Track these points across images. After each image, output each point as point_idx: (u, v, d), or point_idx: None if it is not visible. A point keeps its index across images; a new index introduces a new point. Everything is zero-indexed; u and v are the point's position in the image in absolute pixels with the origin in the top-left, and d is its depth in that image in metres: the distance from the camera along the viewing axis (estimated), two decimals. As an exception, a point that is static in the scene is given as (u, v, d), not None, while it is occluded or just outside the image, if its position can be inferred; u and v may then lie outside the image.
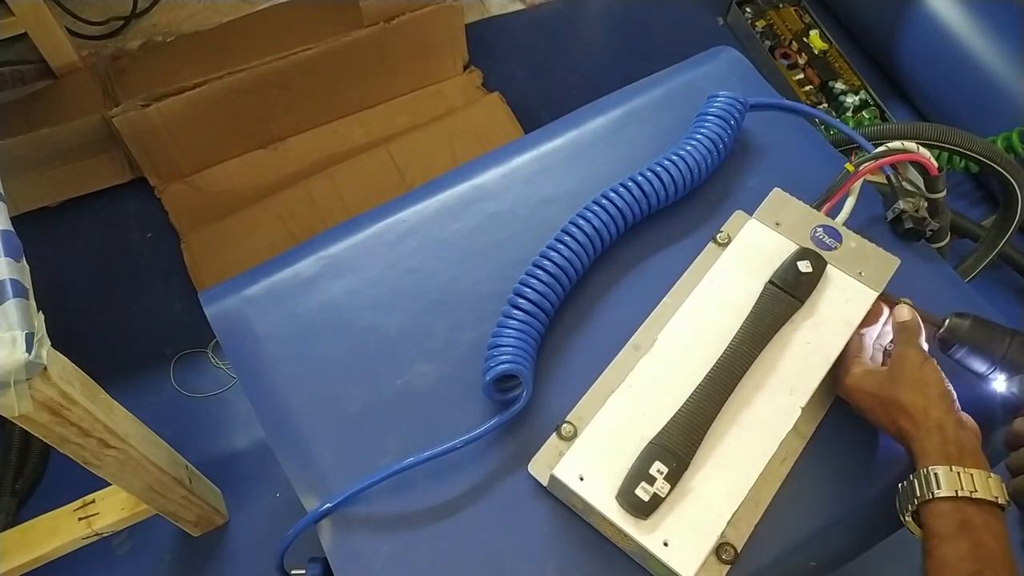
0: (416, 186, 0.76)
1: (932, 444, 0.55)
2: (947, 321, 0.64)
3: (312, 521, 0.59)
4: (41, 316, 0.60)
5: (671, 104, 0.81)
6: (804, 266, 0.65)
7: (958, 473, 0.53)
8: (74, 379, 0.68)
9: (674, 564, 0.55)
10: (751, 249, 0.68)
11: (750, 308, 0.64)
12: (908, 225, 0.71)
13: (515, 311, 0.63)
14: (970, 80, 1.38)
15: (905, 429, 0.57)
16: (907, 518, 0.56)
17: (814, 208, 0.71)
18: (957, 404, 0.58)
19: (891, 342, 0.65)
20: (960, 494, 0.52)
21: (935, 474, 0.53)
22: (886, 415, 0.59)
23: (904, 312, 0.64)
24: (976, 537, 0.51)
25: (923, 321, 0.64)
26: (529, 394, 0.61)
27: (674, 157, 0.71)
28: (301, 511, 0.60)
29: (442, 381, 0.65)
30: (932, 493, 0.53)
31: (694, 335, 0.64)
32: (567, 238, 0.66)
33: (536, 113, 1.46)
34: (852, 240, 0.68)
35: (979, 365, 0.63)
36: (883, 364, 0.64)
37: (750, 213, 0.70)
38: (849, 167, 0.71)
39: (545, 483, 0.60)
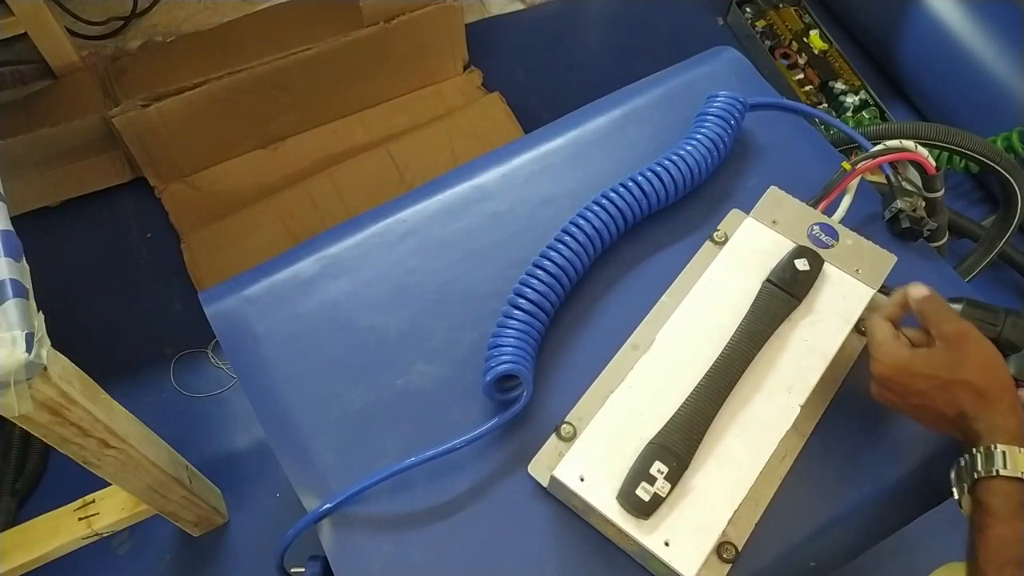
0: (416, 186, 0.76)
1: (1006, 423, 0.54)
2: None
3: (312, 521, 0.59)
4: (41, 316, 0.60)
5: (671, 104, 0.81)
6: (801, 264, 0.65)
7: None
8: (74, 379, 0.68)
9: (675, 564, 0.55)
10: (748, 247, 0.68)
11: (748, 307, 0.64)
12: (905, 224, 0.72)
13: (515, 311, 0.63)
14: (970, 80, 1.38)
15: (970, 410, 0.55)
16: (963, 492, 0.55)
17: (810, 206, 0.71)
18: None
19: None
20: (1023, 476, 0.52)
21: (1003, 452, 0.53)
22: (946, 396, 0.56)
23: (924, 288, 0.62)
24: None
25: None
26: (529, 394, 0.61)
27: (674, 157, 0.71)
28: (301, 511, 0.60)
29: (442, 381, 0.65)
30: (996, 471, 0.52)
31: (692, 334, 0.64)
32: (567, 238, 0.66)
33: (536, 113, 1.46)
34: (849, 238, 0.68)
35: None
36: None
37: (748, 212, 0.70)
38: (846, 165, 0.71)
39: (545, 484, 0.60)
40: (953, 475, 0.56)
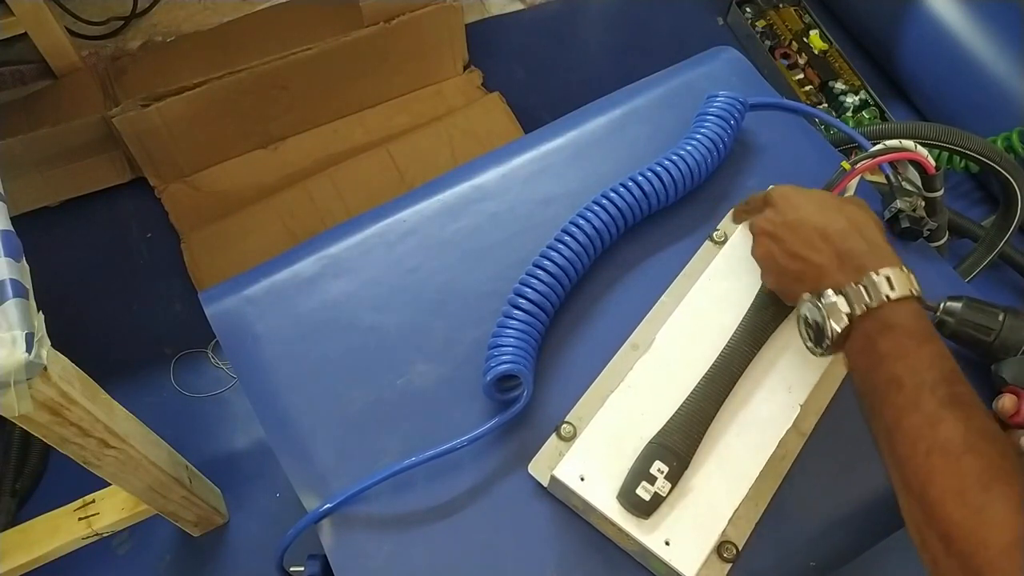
0: (416, 186, 0.76)
1: (893, 254, 0.54)
2: (942, 304, 0.65)
3: (312, 521, 0.59)
4: (41, 316, 0.60)
5: (671, 104, 0.81)
6: (803, 265, 0.65)
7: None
8: (74, 379, 0.68)
9: (676, 563, 0.55)
10: (748, 247, 0.68)
11: (747, 306, 0.64)
12: (905, 224, 0.72)
13: (515, 311, 0.63)
14: (970, 80, 1.38)
15: (864, 233, 0.55)
16: (841, 324, 0.52)
17: (812, 207, 0.71)
18: None
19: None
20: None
21: (909, 274, 0.52)
22: (842, 215, 0.57)
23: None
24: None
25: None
26: (529, 394, 0.61)
27: (674, 157, 0.71)
28: (301, 511, 0.60)
29: (442, 381, 0.65)
30: (912, 291, 0.51)
31: (692, 334, 0.64)
32: (567, 238, 0.66)
33: (536, 113, 1.46)
34: (851, 239, 0.68)
35: (975, 344, 0.64)
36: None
37: (750, 213, 0.71)
38: (845, 165, 0.71)
39: (545, 484, 0.60)
40: (834, 305, 0.52)
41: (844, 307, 0.52)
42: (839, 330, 0.52)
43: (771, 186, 0.64)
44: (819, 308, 0.53)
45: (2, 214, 0.61)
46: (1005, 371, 0.63)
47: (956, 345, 0.65)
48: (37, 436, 0.69)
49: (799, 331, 0.57)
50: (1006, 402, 0.62)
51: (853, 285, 0.52)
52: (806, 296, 0.55)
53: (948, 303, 0.64)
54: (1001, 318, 0.63)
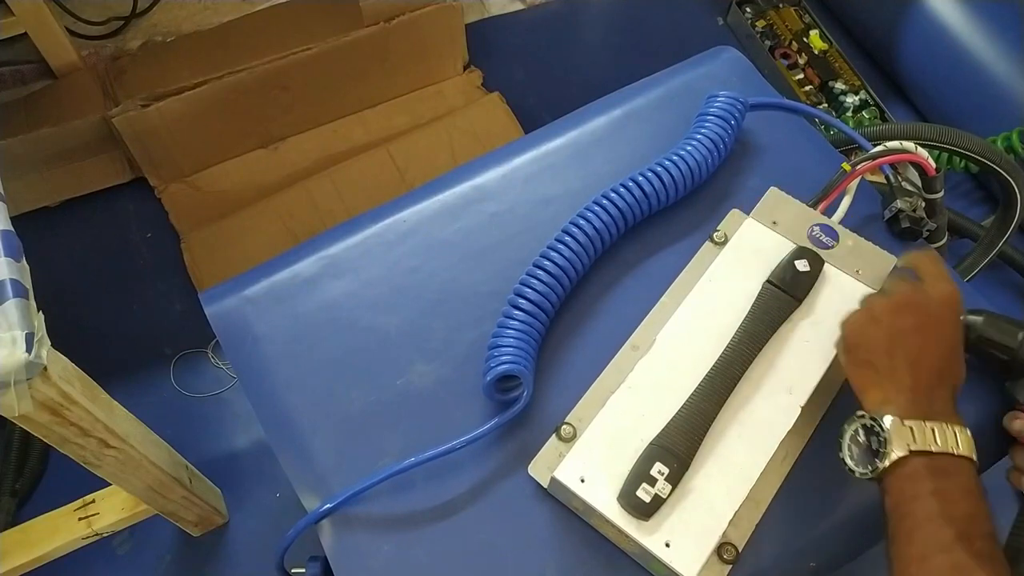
0: (416, 186, 0.76)
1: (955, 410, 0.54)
2: (963, 317, 0.64)
3: (312, 521, 0.59)
4: (41, 316, 0.60)
5: (671, 104, 0.81)
6: (802, 265, 0.65)
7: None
8: (74, 379, 0.68)
9: (676, 565, 0.55)
10: (748, 248, 0.68)
11: (748, 308, 0.64)
12: (905, 224, 0.72)
13: (515, 311, 0.63)
14: (970, 80, 1.38)
15: (953, 394, 0.55)
16: (900, 451, 0.51)
17: (810, 207, 0.71)
18: None
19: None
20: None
21: (971, 440, 0.52)
22: (960, 369, 0.56)
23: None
24: None
25: None
26: (530, 395, 0.61)
27: (674, 157, 0.71)
28: (301, 511, 0.60)
29: (442, 381, 0.65)
30: (973, 456, 0.51)
31: (692, 335, 0.64)
32: (567, 238, 0.66)
33: (536, 113, 1.46)
34: (849, 239, 0.68)
35: (993, 360, 0.63)
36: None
37: (748, 212, 0.70)
38: (845, 166, 0.71)
39: (545, 485, 0.60)
40: (901, 432, 0.51)
41: (909, 439, 0.51)
42: (896, 457, 0.51)
43: (931, 262, 0.60)
44: (881, 430, 0.52)
45: (2, 214, 0.61)
46: (1018, 392, 0.63)
47: (972, 358, 0.65)
48: (37, 436, 0.69)
49: (840, 448, 0.54)
50: (1016, 424, 0.62)
51: (924, 422, 0.51)
52: (861, 413, 0.54)
53: (968, 316, 0.64)
54: (1020, 337, 0.62)
